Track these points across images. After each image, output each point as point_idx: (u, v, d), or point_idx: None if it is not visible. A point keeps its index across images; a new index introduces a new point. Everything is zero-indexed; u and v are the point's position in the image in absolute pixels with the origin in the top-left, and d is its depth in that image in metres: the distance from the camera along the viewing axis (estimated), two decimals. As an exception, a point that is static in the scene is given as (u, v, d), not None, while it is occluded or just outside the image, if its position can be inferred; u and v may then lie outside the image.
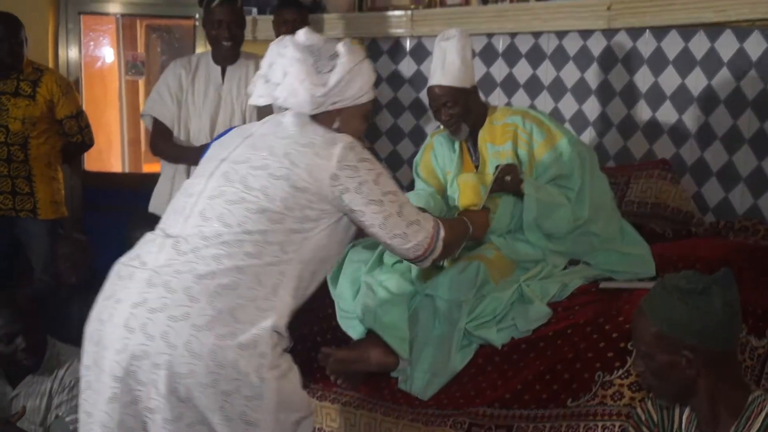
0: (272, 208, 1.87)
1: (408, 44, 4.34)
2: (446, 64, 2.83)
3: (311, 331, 2.94)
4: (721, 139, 3.25)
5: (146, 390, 1.79)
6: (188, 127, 3.51)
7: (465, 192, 2.90)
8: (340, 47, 2.06)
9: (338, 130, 2.04)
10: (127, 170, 6.03)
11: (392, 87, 4.41)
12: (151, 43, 6.20)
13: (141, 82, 6.17)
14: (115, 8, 5.24)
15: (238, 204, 1.88)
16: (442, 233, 2.12)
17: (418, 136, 4.35)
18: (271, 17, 4.34)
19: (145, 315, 1.79)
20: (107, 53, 5.84)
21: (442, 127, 2.96)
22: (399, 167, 4.45)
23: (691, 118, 3.35)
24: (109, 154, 6.09)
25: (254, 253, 1.84)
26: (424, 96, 4.29)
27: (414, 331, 2.67)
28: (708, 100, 3.28)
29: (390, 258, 2.83)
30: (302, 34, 2.09)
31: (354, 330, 2.83)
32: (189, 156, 3.47)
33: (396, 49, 4.38)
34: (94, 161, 5.45)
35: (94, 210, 4.94)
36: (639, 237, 2.87)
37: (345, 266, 2.95)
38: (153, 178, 5.35)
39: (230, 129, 2.38)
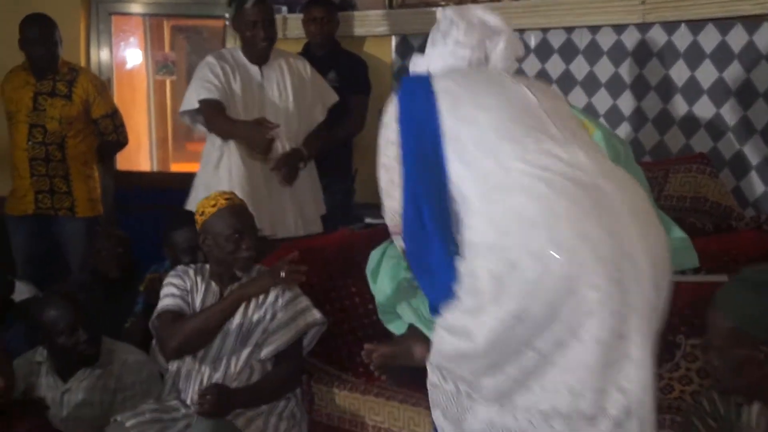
0: None
1: (439, 41, 4.34)
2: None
3: (351, 326, 2.95)
4: (761, 132, 3.25)
5: None
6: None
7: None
8: None
9: None
10: (155, 170, 6.06)
11: (423, 84, 4.41)
12: (177, 44, 6.24)
13: (168, 83, 6.22)
14: (145, 9, 5.27)
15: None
16: None
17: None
18: (301, 16, 4.37)
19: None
20: (134, 54, 5.87)
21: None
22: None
23: (729, 112, 3.35)
24: (138, 153, 6.12)
25: None
26: (455, 92, 4.33)
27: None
28: (747, 94, 3.28)
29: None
30: None
31: (395, 325, 2.84)
32: (244, 131, 3.40)
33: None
34: (123, 161, 5.49)
35: (125, 209, 4.97)
36: (677, 228, 2.86)
37: (384, 262, 2.95)
38: (181, 177, 5.44)
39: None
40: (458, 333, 1.72)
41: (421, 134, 1.75)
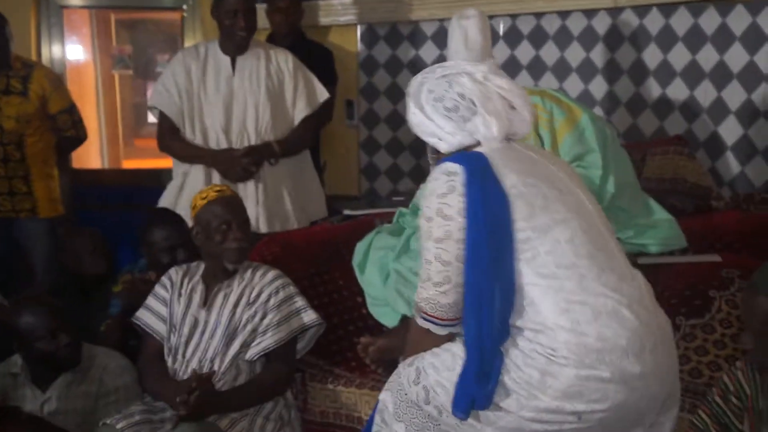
0: None
1: (405, 29, 4.31)
2: (469, 42, 2.81)
3: (342, 320, 2.91)
4: (736, 113, 3.30)
5: None
6: (203, 123, 3.40)
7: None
8: None
9: None
10: (106, 167, 5.90)
11: (390, 73, 4.38)
12: (123, 38, 6.08)
13: (117, 78, 6.05)
14: (98, 2, 5.12)
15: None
16: None
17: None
18: (264, 6, 4.28)
19: None
20: (83, 49, 5.69)
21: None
22: (400, 153, 4.43)
23: (703, 94, 3.39)
24: (88, 150, 5.95)
25: None
26: (423, 81, 4.30)
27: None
28: (720, 76, 3.32)
29: (417, 244, 2.80)
30: None
31: (387, 317, 2.80)
32: (199, 157, 3.39)
33: (393, 35, 4.34)
34: (73, 158, 5.32)
35: (81, 208, 4.82)
36: (663, 210, 2.88)
37: (371, 253, 2.92)
38: (136, 175, 5.31)
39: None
40: (508, 391, 1.75)
41: (493, 236, 1.74)
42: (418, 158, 4.38)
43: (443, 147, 1.89)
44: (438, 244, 1.78)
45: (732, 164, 3.35)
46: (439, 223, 1.77)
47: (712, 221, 2.94)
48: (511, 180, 1.77)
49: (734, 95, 3.30)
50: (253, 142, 3.38)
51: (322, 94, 3.56)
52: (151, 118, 5.98)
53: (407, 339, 2.03)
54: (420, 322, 1.87)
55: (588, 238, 1.78)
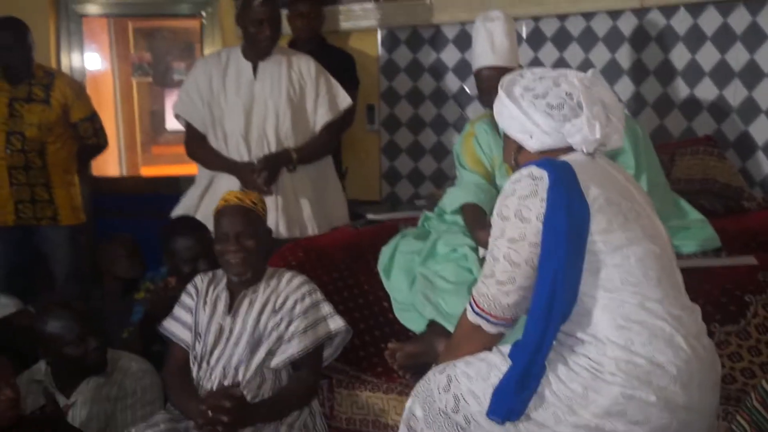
0: None
1: (426, 33, 4.28)
2: (495, 45, 2.79)
3: (368, 325, 2.87)
4: (767, 112, 3.24)
5: None
6: (223, 127, 3.38)
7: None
8: None
9: None
10: (124, 174, 5.90)
11: (411, 77, 4.35)
12: (140, 46, 6.10)
13: (135, 85, 6.06)
14: (116, 9, 5.12)
15: None
16: None
17: (438, 126, 4.31)
18: (286, 11, 4.26)
19: None
20: (101, 57, 5.71)
21: (481, 113, 2.92)
22: (421, 157, 4.40)
23: (732, 94, 3.34)
24: (106, 158, 5.96)
25: None
26: (445, 85, 4.27)
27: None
28: (751, 75, 3.28)
29: (444, 248, 2.76)
30: None
31: (413, 322, 2.77)
32: (223, 166, 3.36)
33: (414, 39, 4.31)
34: (92, 166, 5.31)
35: (101, 216, 4.82)
36: (695, 210, 2.83)
37: (396, 257, 2.89)
38: (154, 182, 5.30)
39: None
40: (545, 404, 1.75)
41: (570, 243, 1.73)
42: (440, 162, 4.34)
43: (532, 145, 1.86)
44: (510, 244, 1.77)
45: (763, 164, 3.30)
46: (515, 224, 1.77)
47: (745, 222, 2.90)
48: (594, 193, 1.75)
49: (765, 95, 3.25)
50: (273, 149, 3.34)
51: (344, 100, 3.50)
52: (169, 126, 6.09)
53: (450, 339, 2.02)
54: (471, 316, 1.86)
55: (658, 263, 1.77)
